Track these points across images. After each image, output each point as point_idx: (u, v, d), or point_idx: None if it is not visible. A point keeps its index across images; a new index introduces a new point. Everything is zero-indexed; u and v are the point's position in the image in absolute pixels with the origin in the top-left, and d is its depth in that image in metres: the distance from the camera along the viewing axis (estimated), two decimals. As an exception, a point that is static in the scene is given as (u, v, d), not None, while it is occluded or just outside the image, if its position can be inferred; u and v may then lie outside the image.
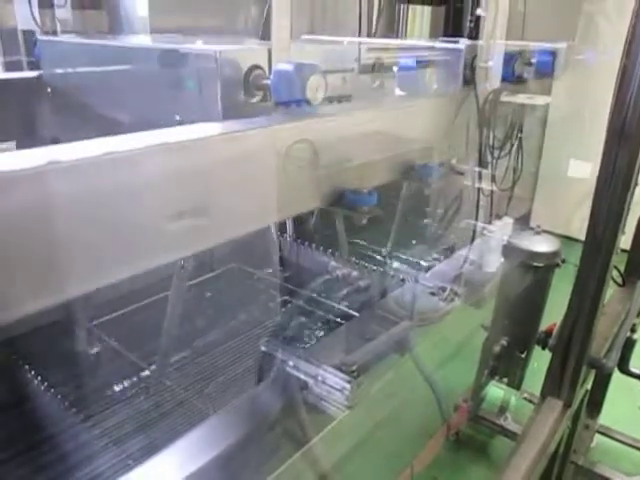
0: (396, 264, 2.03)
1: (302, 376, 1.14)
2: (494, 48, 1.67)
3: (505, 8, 1.68)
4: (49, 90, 1.59)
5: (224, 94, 1.09)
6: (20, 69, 1.89)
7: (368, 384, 1.15)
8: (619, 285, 1.99)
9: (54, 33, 2.05)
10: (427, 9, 3.27)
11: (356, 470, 1.40)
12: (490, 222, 1.81)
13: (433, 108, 1.54)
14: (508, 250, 1.65)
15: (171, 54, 1.20)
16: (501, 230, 1.76)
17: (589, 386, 1.75)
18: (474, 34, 1.73)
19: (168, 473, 0.96)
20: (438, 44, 1.76)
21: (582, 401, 1.68)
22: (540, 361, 1.67)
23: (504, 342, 1.73)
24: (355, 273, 1.87)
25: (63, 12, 2.10)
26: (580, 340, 1.45)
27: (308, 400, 1.13)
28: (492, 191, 1.88)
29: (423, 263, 2.04)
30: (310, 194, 1.12)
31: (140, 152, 0.79)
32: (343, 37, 1.86)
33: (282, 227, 2.04)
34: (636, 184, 1.31)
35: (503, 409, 2.18)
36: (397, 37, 3.15)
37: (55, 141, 0.77)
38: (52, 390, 1.43)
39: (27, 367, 1.49)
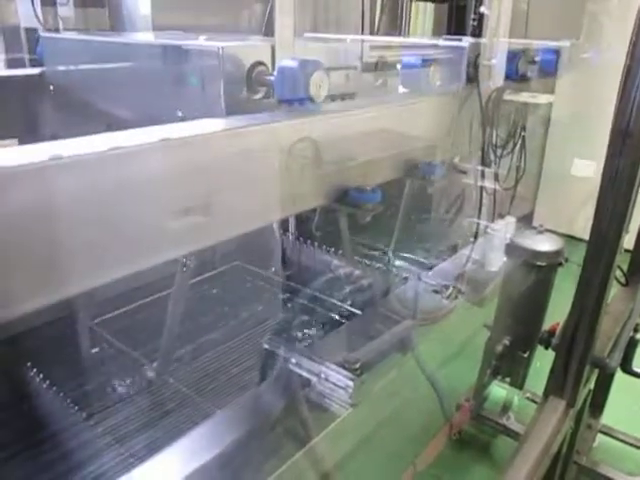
0: (398, 262, 2.03)
1: (305, 374, 1.13)
2: (497, 46, 1.67)
3: (508, 6, 1.67)
4: (51, 87, 1.59)
5: (227, 90, 1.08)
6: (22, 66, 1.89)
7: (371, 382, 1.15)
8: (622, 285, 1.98)
9: (56, 31, 2.04)
10: (430, 7, 3.26)
11: (359, 468, 1.39)
12: (493, 221, 1.80)
13: (436, 106, 1.54)
14: (511, 249, 1.65)
15: (174, 50, 1.20)
16: (504, 229, 1.76)
17: (592, 386, 1.74)
18: (477, 32, 1.73)
19: (171, 471, 0.96)
20: (441, 42, 1.76)
21: (585, 401, 1.68)
22: (543, 360, 1.67)
23: (507, 341, 1.73)
24: (358, 271, 1.87)
25: (65, 10, 2.10)
26: (583, 340, 1.45)
27: (311, 398, 1.12)
28: (495, 190, 1.87)
29: (425, 262, 2.04)
30: (313, 191, 1.11)
31: (142, 148, 0.79)
32: (346, 35, 1.86)
33: (284, 225, 2.04)
34: (640, 183, 1.31)
35: (506, 408, 2.18)
36: (400, 35, 3.15)
37: (57, 138, 0.77)
38: (54, 388, 1.43)
39: (29, 365, 1.49)
